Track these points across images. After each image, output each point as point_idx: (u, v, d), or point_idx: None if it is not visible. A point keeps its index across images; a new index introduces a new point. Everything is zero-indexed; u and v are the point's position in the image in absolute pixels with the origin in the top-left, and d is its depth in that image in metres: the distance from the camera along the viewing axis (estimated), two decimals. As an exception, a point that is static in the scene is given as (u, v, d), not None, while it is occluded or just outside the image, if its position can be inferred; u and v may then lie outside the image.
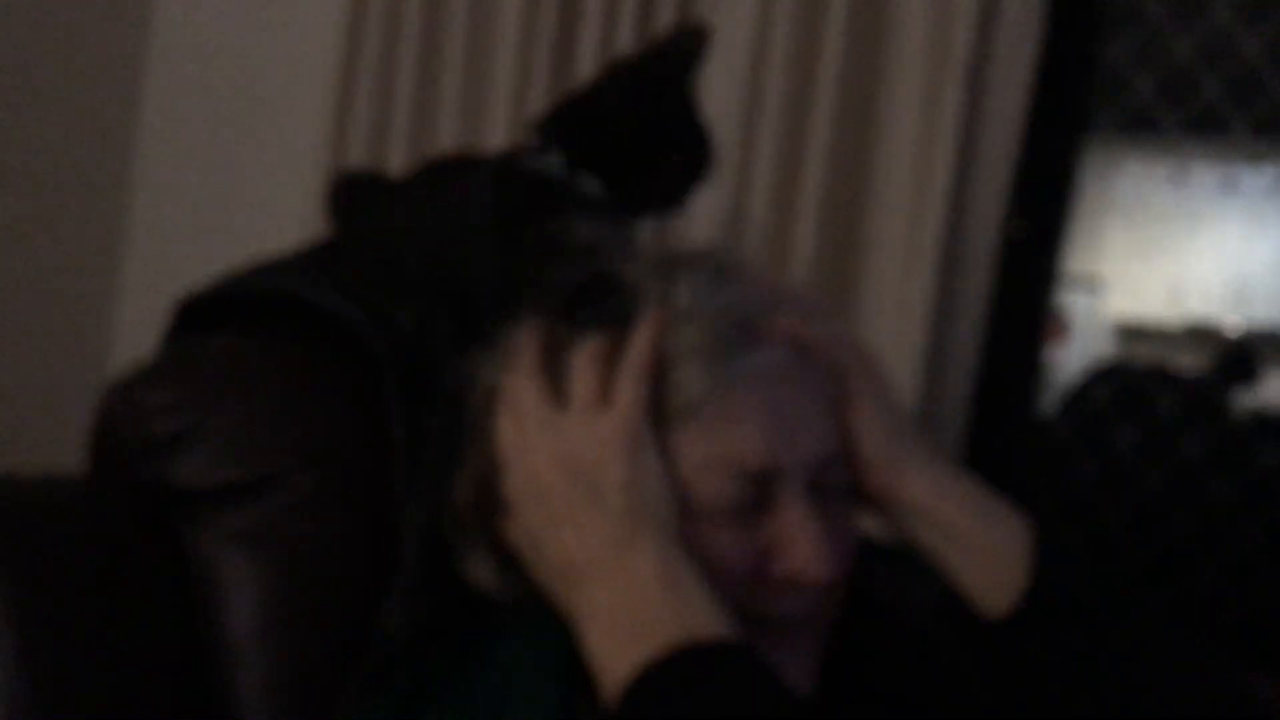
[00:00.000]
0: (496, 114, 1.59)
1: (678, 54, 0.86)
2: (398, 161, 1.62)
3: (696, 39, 0.87)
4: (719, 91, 1.43)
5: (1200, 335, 4.76)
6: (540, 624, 0.70)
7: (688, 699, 0.61)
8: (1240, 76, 1.55)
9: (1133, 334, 5.13)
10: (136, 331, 1.91)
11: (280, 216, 1.76)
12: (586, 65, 1.52)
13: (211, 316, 0.89)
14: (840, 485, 0.73)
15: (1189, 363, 2.52)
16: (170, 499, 0.83)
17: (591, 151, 0.83)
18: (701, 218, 1.39)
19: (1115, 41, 1.58)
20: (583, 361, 0.70)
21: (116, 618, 0.78)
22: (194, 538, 0.82)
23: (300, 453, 0.84)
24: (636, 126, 0.83)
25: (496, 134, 1.58)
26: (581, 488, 0.67)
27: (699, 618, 0.64)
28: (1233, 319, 4.92)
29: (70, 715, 0.74)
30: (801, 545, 0.68)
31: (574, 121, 0.85)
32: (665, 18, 1.48)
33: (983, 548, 0.73)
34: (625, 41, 1.49)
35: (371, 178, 1.01)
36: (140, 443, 0.82)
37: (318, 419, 0.86)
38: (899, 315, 1.39)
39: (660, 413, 0.69)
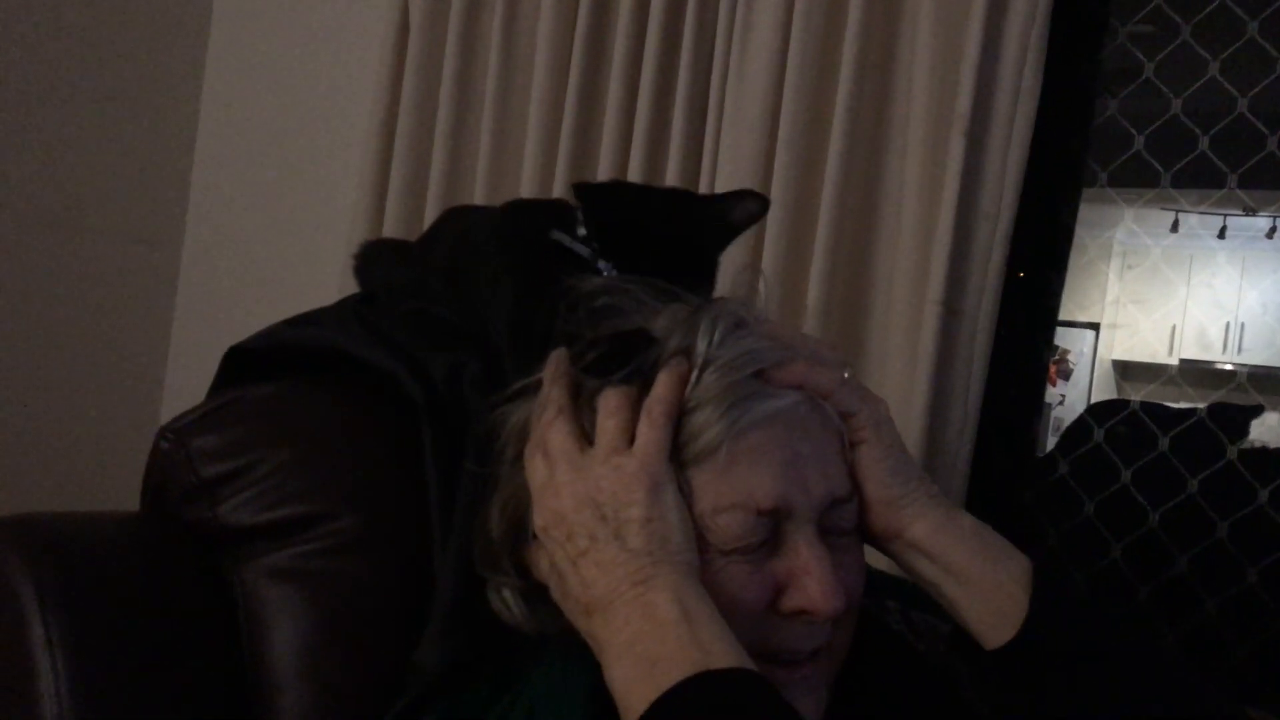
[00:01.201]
0: (523, 173, 1.64)
1: (744, 211, 0.91)
2: (433, 208, 1.68)
3: (760, 206, 0.91)
4: (737, 148, 1.48)
5: (1196, 375, 4.79)
6: (567, 657, 0.73)
7: None
8: (1232, 132, 1.58)
9: (1132, 374, 5.16)
10: (186, 379, 1.98)
11: (321, 271, 1.82)
12: (610, 130, 1.58)
13: (256, 367, 0.93)
14: (849, 524, 0.77)
15: (1186, 400, 2.54)
16: (216, 537, 0.87)
17: (619, 244, 0.87)
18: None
19: (1113, 99, 1.61)
20: (608, 406, 0.73)
21: (164, 649, 0.81)
22: (238, 574, 0.86)
23: (339, 495, 0.88)
24: (671, 246, 0.87)
25: (528, 165, 1.64)
26: (604, 525, 0.70)
27: (714, 649, 0.65)
28: (1226, 360, 4.96)
29: (121, 743, 0.77)
30: (812, 580, 0.71)
31: (616, 215, 0.89)
32: (684, 79, 1.53)
33: (983, 583, 0.76)
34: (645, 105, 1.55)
35: (389, 243, 1.05)
36: (189, 484, 0.86)
37: (356, 463, 0.90)
38: (905, 360, 1.42)
39: (678, 455, 0.72)
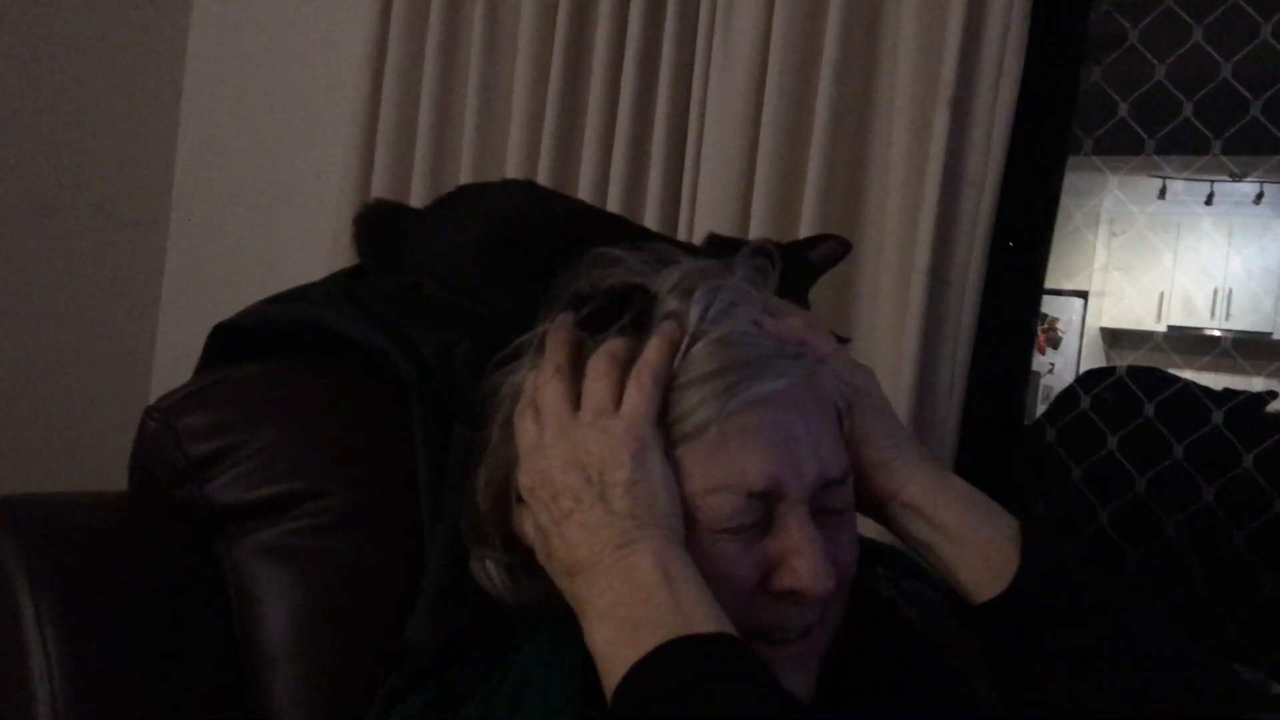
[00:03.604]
0: (511, 137, 1.65)
1: (822, 254, 0.94)
2: (419, 189, 1.68)
3: (840, 246, 0.94)
4: (723, 121, 1.48)
5: (1184, 341, 4.81)
6: (555, 633, 0.73)
7: (680, 690, 0.63)
8: (1216, 97, 1.58)
9: (1121, 341, 5.18)
10: (174, 359, 1.98)
11: (308, 250, 1.82)
12: (594, 108, 1.58)
13: (243, 344, 0.93)
14: (843, 504, 0.76)
15: (1176, 367, 2.56)
16: (206, 516, 0.86)
17: None
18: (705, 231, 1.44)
19: (1096, 66, 1.61)
20: (596, 369, 0.73)
21: (156, 627, 0.82)
22: (228, 552, 0.86)
23: (328, 472, 0.88)
24: None
25: (511, 160, 1.64)
26: (590, 488, 0.70)
27: (695, 614, 0.66)
28: (1214, 326, 4.98)
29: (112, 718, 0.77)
30: (804, 562, 0.71)
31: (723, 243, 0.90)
32: (668, 56, 1.53)
33: (976, 540, 0.77)
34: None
35: (394, 208, 1.05)
36: (177, 463, 0.86)
37: (345, 441, 0.90)
38: (893, 329, 1.42)
39: (668, 434, 0.72)
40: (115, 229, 1.99)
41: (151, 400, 0.88)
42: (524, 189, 1.03)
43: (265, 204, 1.99)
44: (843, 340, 0.88)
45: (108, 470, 0.91)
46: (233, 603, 0.85)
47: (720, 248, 0.93)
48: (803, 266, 0.93)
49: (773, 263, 0.82)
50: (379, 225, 0.99)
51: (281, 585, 0.84)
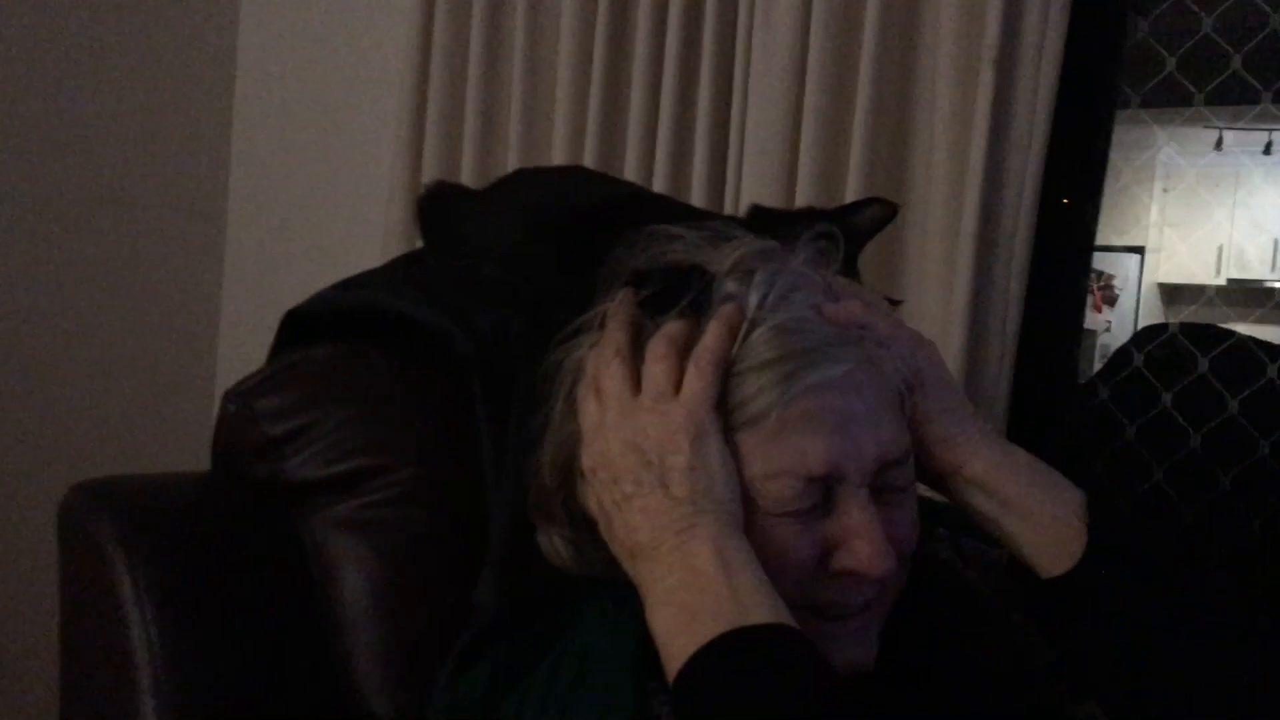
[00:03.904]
0: (556, 124, 1.67)
1: (870, 217, 0.94)
2: (468, 176, 1.72)
3: (885, 210, 0.94)
4: (766, 90, 1.49)
5: (1239, 294, 4.72)
6: (617, 601, 0.74)
7: (736, 682, 0.64)
8: (1265, 48, 1.56)
9: (1178, 296, 5.09)
10: (238, 344, 2.04)
11: (362, 233, 1.86)
12: (638, 83, 1.60)
13: (312, 329, 0.97)
14: (904, 483, 0.76)
15: (1232, 321, 2.52)
16: (284, 492, 0.91)
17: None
18: (752, 197, 1.46)
19: (1143, 19, 1.60)
20: (655, 353, 0.74)
21: (244, 595, 0.87)
22: (306, 525, 0.91)
23: (397, 448, 0.92)
24: None
25: (557, 146, 1.67)
26: (649, 472, 0.71)
27: (751, 604, 0.66)
28: (1276, 278, 4.88)
29: (208, 683, 0.82)
30: (863, 544, 0.71)
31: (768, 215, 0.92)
32: (710, 24, 1.54)
33: (1041, 516, 0.77)
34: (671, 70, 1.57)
35: (453, 190, 1.08)
36: (257, 443, 0.91)
37: (412, 418, 0.94)
38: (942, 289, 1.43)
39: (727, 420, 0.73)
40: (175, 219, 2.05)
41: (216, 385, 0.93)
42: (577, 173, 1.06)
43: (319, 193, 2.04)
44: (893, 302, 0.88)
45: (179, 454, 0.96)
46: (312, 572, 0.89)
47: (765, 219, 0.94)
48: (850, 232, 0.92)
49: (835, 244, 0.81)
50: (439, 207, 1.02)
51: (357, 554, 0.89)
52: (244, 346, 2.08)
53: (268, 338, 1.00)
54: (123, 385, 1.98)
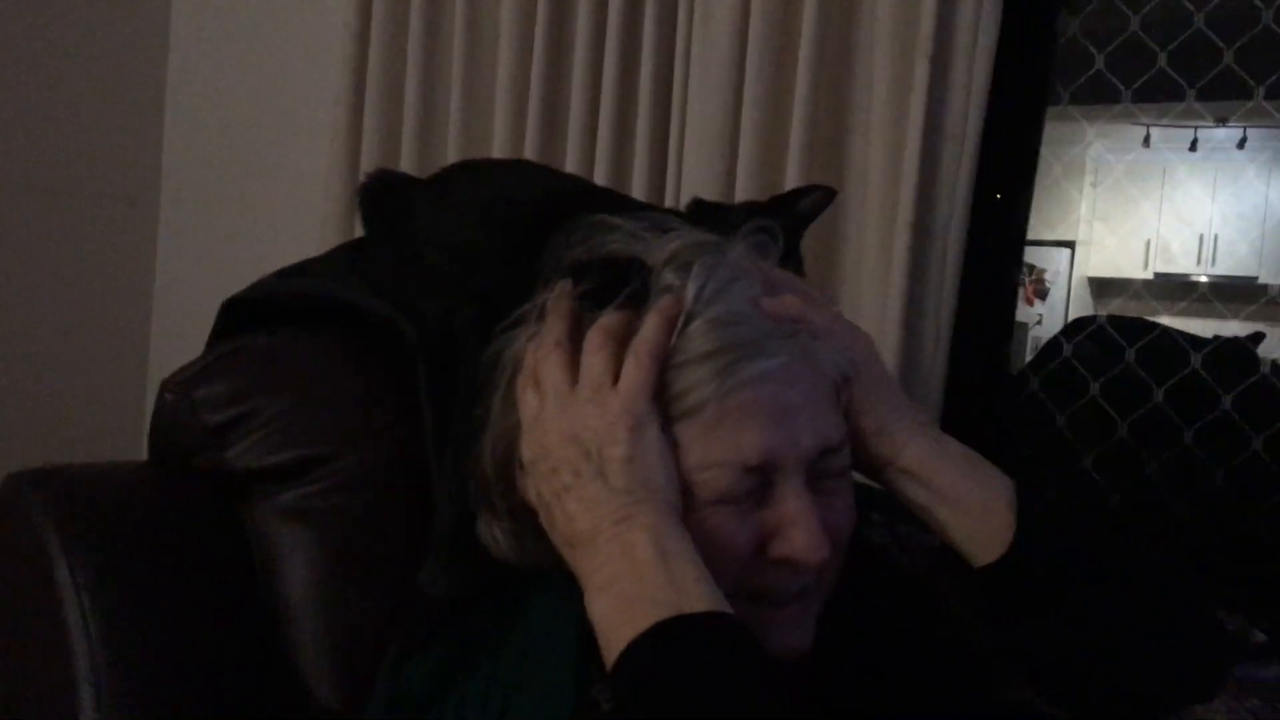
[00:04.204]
0: (496, 107, 1.67)
1: (811, 202, 0.96)
2: (407, 165, 1.70)
3: (825, 194, 0.96)
4: (705, 80, 1.50)
5: (1166, 289, 4.85)
6: (562, 587, 0.74)
7: (673, 669, 0.64)
8: (1190, 46, 1.61)
9: (1108, 290, 5.21)
10: (170, 332, 2.02)
11: (299, 220, 1.84)
12: (579, 79, 1.60)
13: (252, 318, 0.97)
14: (840, 470, 0.78)
15: (1159, 314, 2.59)
16: (226, 481, 0.90)
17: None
18: (692, 189, 1.47)
19: (1073, 17, 1.63)
20: (594, 341, 0.74)
21: (184, 585, 0.86)
22: (249, 515, 0.90)
23: (341, 436, 0.91)
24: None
25: (497, 136, 1.66)
26: (588, 462, 0.72)
27: (690, 591, 0.67)
28: (1201, 272, 5.01)
29: (148, 673, 0.82)
30: (799, 532, 0.72)
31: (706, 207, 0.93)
32: (651, 16, 1.55)
33: (971, 505, 0.79)
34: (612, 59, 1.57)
35: (398, 178, 1.07)
36: (196, 433, 0.90)
37: (355, 405, 0.93)
38: (878, 282, 1.45)
39: (665, 410, 0.73)
40: (106, 204, 2.02)
41: (149, 374, 0.92)
42: (522, 166, 1.06)
43: (254, 180, 2.01)
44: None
45: (111, 443, 0.95)
46: (255, 561, 0.89)
47: (706, 212, 0.96)
48: (791, 218, 0.94)
49: (774, 237, 0.82)
50: (382, 196, 1.02)
51: (301, 543, 0.89)
52: (176, 335, 2.05)
53: (201, 326, 0.99)
54: (53, 374, 1.95)
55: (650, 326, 0.74)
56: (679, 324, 0.74)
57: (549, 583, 0.77)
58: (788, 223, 0.89)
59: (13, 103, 1.85)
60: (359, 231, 1.65)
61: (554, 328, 0.76)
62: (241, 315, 0.97)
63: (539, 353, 0.76)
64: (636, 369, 0.73)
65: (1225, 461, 1.68)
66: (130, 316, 2.07)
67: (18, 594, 0.85)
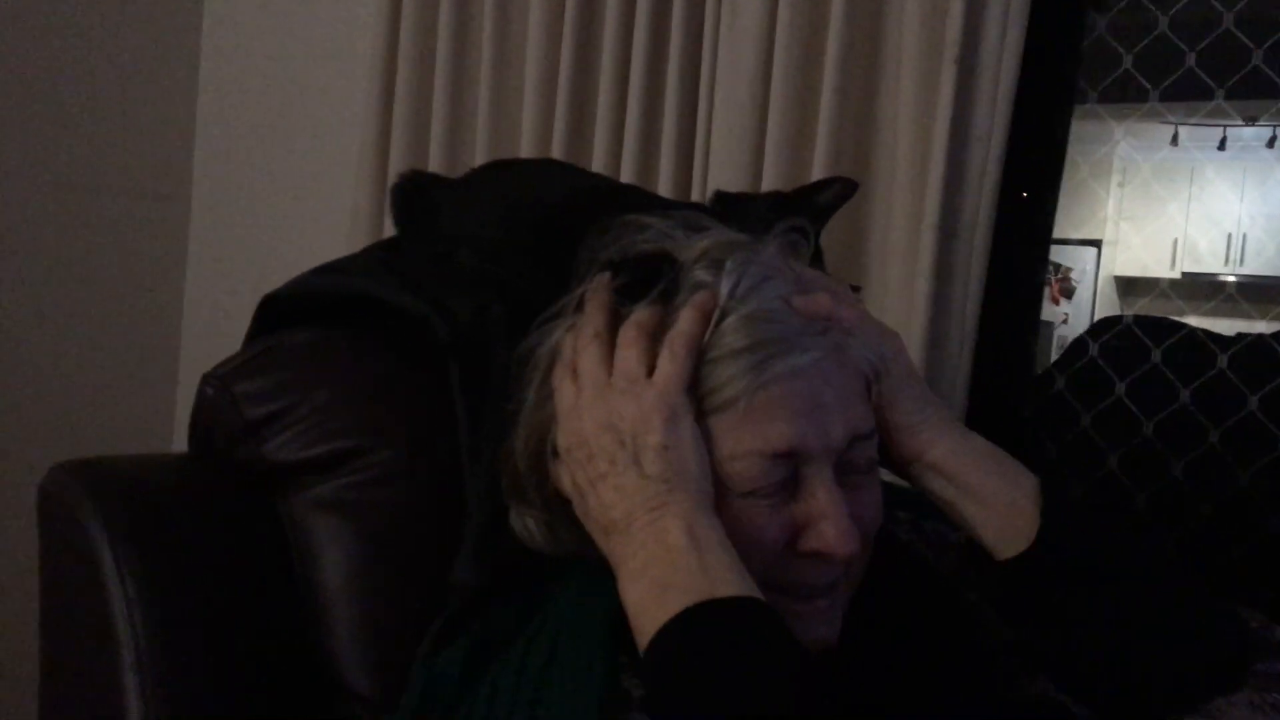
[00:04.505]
0: (524, 105, 1.68)
1: (831, 194, 0.98)
2: (436, 164, 1.72)
3: (846, 187, 0.97)
4: (733, 83, 1.51)
5: (1193, 288, 4.80)
6: (589, 580, 0.76)
7: (704, 652, 0.66)
8: (1219, 46, 1.60)
9: (1135, 289, 5.17)
10: (201, 326, 2.04)
11: (327, 218, 1.86)
12: (606, 78, 1.61)
13: (289, 314, 0.99)
14: (868, 461, 0.79)
15: (1186, 314, 2.58)
16: (264, 474, 0.93)
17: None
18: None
19: (1101, 16, 1.63)
20: (627, 337, 0.76)
21: (224, 574, 0.88)
22: (286, 507, 0.92)
23: (377, 431, 0.93)
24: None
25: (525, 135, 1.67)
26: (623, 451, 0.73)
27: (721, 578, 0.68)
28: (1229, 272, 4.97)
29: (190, 660, 0.84)
30: (829, 524, 0.74)
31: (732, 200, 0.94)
32: (678, 18, 1.56)
33: (997, 500, 0.80)
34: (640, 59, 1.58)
35: (428, 178, 1.09)
36: (236, 426, 0.92)
37: (390, 401, 0.95)
38: (904, 282, 1.45)
39: (699, 405, 0.75)
40: (139, 202, 2.04)
41: (180, 369, 0.94)
42: (551, 166, 1.08)
43: (284, 176, 2.03)
44: (853, 288, 0.90)
45: (144, 436, 0.96)
46: (292, 551, 0.91)
47: (729, 203, 0.97)
48: (813, 210, 0.95)
49: (806, 237, 0.84)
50: (413, 195, 1.03)
51: (337, 535, 0.91)
52: (208, 329, 2.08)
53: (231, 321, 1.01)
54: (86, 367, 1.98)
55: (686, 320, 0.75)
56: (713, 319, 0.75)
57: (579, 574, 0.79)
58: (809, 214, 0.90)
59: (46, 100, 1.88)
60: (388, 228, 1.68)
61: (592, 319, 0.78)
62: (279, 312, 0.99)
63: (577, 343, 0.78)
64: (672, 361, 0.74)
65: (1251, 462, 1.68)
66: (162, 311, 2.10)
67: (62, 583, 0.87)
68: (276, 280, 1.00)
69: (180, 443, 0.98)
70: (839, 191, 0.97)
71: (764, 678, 0.65)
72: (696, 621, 0.67)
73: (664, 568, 0.69)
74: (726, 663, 0.65)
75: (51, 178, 1.90)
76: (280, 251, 1.99)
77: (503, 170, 1.09)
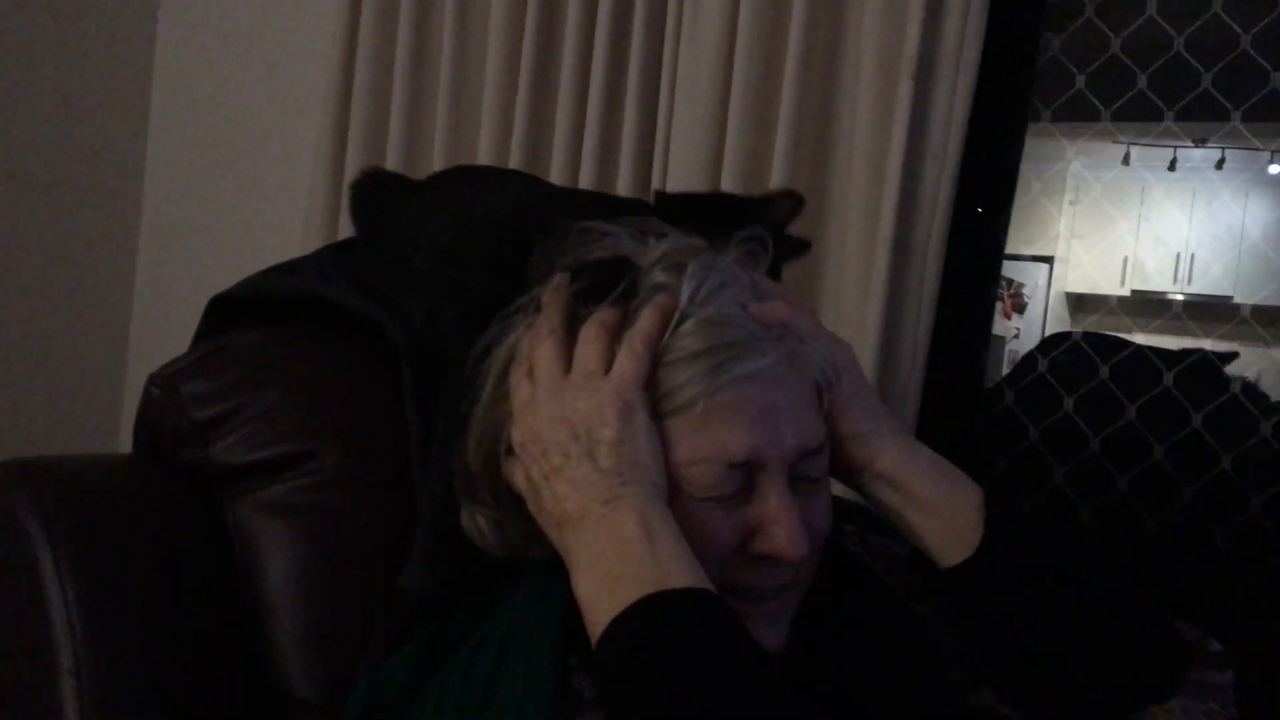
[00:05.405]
0: (483, 112, 1.67)
1: (780, 209, 0.98)
2: (393, 164, 1.70)
3: (796, 202, 0.98)
4: (691, 95, 1.52)
5: (1141, 305, 4.89)
6: (539, 586, 0.77)
7: (656, 642, 0.66)
8: (1170, 69, 1.63)
9: (1085, 306, 5.25)
10: (150, 326, 2.01)
11: (281, 218, 1.85)
12: (566, 85, 1.61)
13: (239, 315, 0.97)
14: (820, 473, 0.80)
15: (1134, 331, 2.62)
16: (210, 476, 0.91)
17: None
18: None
19: (1055, 37, 1.65)
20: (589, 332, 0.77)
21: (166, 578, 0.86)
22: (231, 510, 0.91)
23: (325, 434, 0.92)
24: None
25: (484, 139, 1.67)
26: (577, 444, 0.74)
27: (673, 569, 0.69)
28: (1177, 290, 5.06)
29: (129, 666, 0.82)
30: (781, 529, 0.75)
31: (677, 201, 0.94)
32: (639, 28, 1.57)
33: (942, 509, 0.82)
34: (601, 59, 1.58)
35: (392, 178, 1.08)
36: (181, 427, 0.91)
37: (340, 404, 0.94)
38: (858, 295, 1.46)
39: (656, 407, 0.76)
40: (89, 198, 2.01)
41: (129, 367, 0.92)
42: (516, 177, 1.07)
43: (238, 175, 2.02)
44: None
45: (87, 436, 0.95)
46: (238, 556, 0.89)
47: (673, 204, 0.97)
48: (766, 220, 0.95)
49: (764, 247, 0.85)
50: (373, 195, 1.03)
51: (282, 539, 0.89)
52: (156, 329, 2.05)
53: (181, 321, 1.00)
54: (33, 365, 1.94)
55: (646, 319, 0.76)
56: (673, 322, 0.76)
57: (529, 576, 0.79)
58: (760, 222, 0.91)
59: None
60: (343, 229, 1.67)
61: (549, 317, 0.79)
62: (228, 312, 0.98)
63: (534, 340, 0.78)
64: (630, 357, 0.75)
65: (1195, 478, 1.70)
66: (111, 310, 2.07)
67: (1, 584, 0.85)
68: (228, 280, 0.99)
69: (127, 444, 0.96)
70: (788, 206, 0.98)
71: (715, 667, 0.66)
72: (649, 612, 0.67)
73: (617, 559, 0.70)
74: (679, 653, 0.66)
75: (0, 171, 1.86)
76: (232, 251, 1.98)
77: (467, 175, 1.09)
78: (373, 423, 0.93)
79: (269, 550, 0.89)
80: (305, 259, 1.01)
